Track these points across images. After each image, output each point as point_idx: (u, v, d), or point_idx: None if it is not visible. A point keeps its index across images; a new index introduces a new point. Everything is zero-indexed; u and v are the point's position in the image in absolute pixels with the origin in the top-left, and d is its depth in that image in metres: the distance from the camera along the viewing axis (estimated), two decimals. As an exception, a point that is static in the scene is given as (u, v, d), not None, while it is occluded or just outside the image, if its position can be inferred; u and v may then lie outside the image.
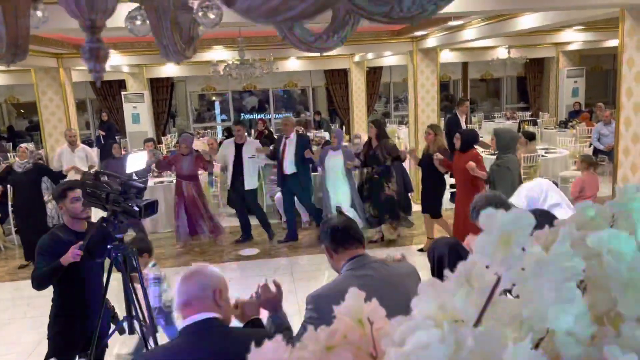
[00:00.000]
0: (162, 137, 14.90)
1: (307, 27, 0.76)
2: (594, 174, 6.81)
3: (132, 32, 1.20)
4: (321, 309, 2.03)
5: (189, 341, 1.80)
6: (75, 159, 8.16)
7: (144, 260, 4.06)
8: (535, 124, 15.07)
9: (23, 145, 7.29)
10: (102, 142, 13.23)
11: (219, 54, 10.09)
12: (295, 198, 7.44)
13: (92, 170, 7.59)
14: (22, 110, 18.13)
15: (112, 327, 3.38)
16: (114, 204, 3.07)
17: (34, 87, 8.98)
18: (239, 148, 7.28)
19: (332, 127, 16.09)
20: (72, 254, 3.08)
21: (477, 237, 0.47)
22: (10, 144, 15.51)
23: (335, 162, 7.05)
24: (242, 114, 19.10)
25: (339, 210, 6.90)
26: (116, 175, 3.34)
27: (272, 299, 2.12)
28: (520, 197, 3.99)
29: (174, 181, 7.61)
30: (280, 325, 2.07)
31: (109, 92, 15.51)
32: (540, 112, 16.76)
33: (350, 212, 6.92)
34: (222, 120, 18.81)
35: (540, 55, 15.79)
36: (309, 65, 14.35)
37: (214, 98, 19.30)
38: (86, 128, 17.61)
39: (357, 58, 13.76)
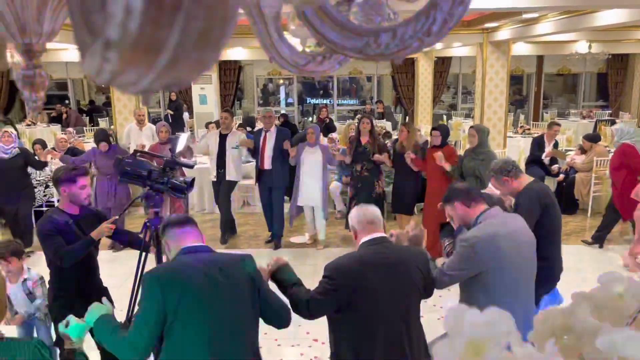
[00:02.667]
0: (227, 119, 15.16)
1: (297, 48, 0.70)
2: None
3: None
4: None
5: (375, 250, 2.48)
6: (142, 137, 8.45)
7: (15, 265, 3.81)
8: (613, 124, 14.15)
9: (9, 129, 7.13)
10: (170, 120, 13.66)
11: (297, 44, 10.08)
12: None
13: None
14: (102, 86, 19.00)
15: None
16: (157, 181, 3.32)
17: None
18: (223, 138, 6.96)
19: (395, 117, 15.84)
20: (106, 229, 3.29)
21: (437, 345, 0.39)
22: (88, 118, 16.34)
23: (311, 159, 6.63)
24: (307, 99, 19.17)
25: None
26: (159, 155, 3.58)
27: (418, 239, 2.83)
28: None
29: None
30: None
31: (179, 72, 15.95)
32: (620, 112, 15.73)
33: (319, 213, 6.76)
34: (287, 105, 18.95)
35: (624, 51, 14.75)
36: (376, 53, 14.11)
37: (281, 81, 19.47)
38: (158, 106, 18.26)
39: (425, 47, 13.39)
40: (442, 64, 16.01)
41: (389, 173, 7.30)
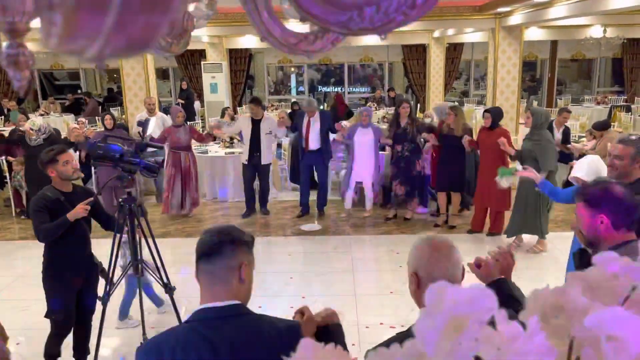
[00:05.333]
0: (238, 108, 15.19)
1: (289, 28, 0.68)
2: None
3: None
4: None
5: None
6: (153, 126, 8.50)
7: None
8: (629, 110, 13.93)
9: (27, 125, 7.34)
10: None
11: (295, 26, 10.03)
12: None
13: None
14: (115, 75, 19.08)
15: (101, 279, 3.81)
16: (130, 162, 3.53)
17: (119, 56, 9.36)
18: (256, 124, 7.40)
19: (433, 106, 15.73)
20: (82, 210, 3.44)
21: (417, 322, 0.39)
22: (100, 107, 16.44)
23: (364, 139, 7.23)
24: (319, 87, 19.10)
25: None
26: (130, 139, 3.83)
27: (509, 268, 2.01)
28: (583, 170, 3.85)
29: (169, 152, 7.52)
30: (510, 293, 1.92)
31: (190, 61, 15.97)
32: (636, 97, 15.47)
33: (368, 189, 7.43)
34: (298, 93, 18.91)
35: (639, 35, 14.49)
36: (387, 40, 14.00)
37: (292, 69, 19.40)
38: (169, 95, 18.31)
39: (436, 34, 13.25)
40: (453, 50, 15.84)
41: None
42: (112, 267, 3.60)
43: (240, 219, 7.57)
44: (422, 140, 7.05)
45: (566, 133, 7.95)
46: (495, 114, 6.42)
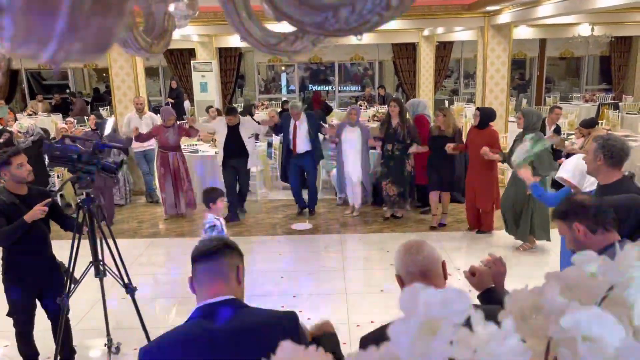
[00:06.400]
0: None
1: (269, 28, 0.68)
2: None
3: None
4: None
5: None
6: (143, 126, 8.44)
7: None
8: (616, 107, 14.05)
9: (15, 127, 7.36)
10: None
11: (285, 26, 10.00)
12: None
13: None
14: (104, 74, 18.95)
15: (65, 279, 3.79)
16: (88, 163, 3.54)
17: (107, 55, 9.31)
18: (232, 129, 7.22)
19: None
20: (40, 211, 3.43)
21: (392, 326, 0.38)
22: (89, 107, 16.31)
23: (351, 137, 7.23)
24: (309, 86, 19.08)
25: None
26: (87, 139, 3.87)
27: (502, 274, 2.07)
28: (569, 171, 3.79)
29: (158, 152, 7.64)
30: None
31: (180, 60, 15.89)
32: (623, 95, 15.60)
33: (357, 187, 7.41)
34: (289, 92, 18.88)
35: (627, 33, 14.58)
36: (377, 38, 14.01)
37: (283, 68, 19.36)
38: (159, 94, 18.21)
39: (426, 32, 13.28)
40: (443, 49, 15.88)
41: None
42: (72, 267, 3.59)
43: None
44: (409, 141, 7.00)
45: (557, 131, 8.00)
46: (486, 114, 6.40)
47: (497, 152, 5.99)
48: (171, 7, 0.87)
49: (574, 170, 3.72)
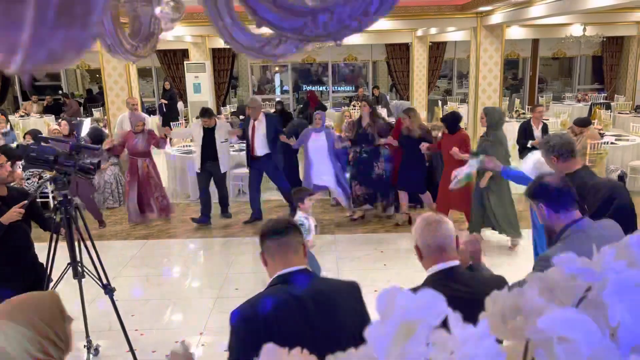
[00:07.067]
0: (222, 108, 15.12)
1: (253, 32, 0.68)
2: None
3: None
4: None
5: (444, 286, 1.89)
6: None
7: None
8: (608, 107, 14.14)
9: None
10: (164, 110, 13.59)
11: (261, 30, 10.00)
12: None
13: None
14: (97, 75, 18.86)
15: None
16: (64, 164, 3.54)
17: (100, 55, 9.27)
18: (208, 132, 7.08)
19: (391, 103, 15.80)
20: (16, 212, 3.41)
21: (369, 328, 0.39)
22: (82, 108, 16.25)
23: (317, 145, 6.93)
24: (303, 86, 19.08)
25: None
26: (63, 140, 3.85)
27: (478, 251, 2.31)
28: (528, 164, 4.17)
29: (127, 158, 7.36)
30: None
31: (173, 60, 15.87)
32: (615, 95, 15.70)
33: (335, 192, 7.21)
34: (282, 92, 18.88)
35: (619, 33, 14.69)
36: (370, 39, 14.04)
37: (277, 69, 19.35)
38: (152, 95, 18.16)
39: (419, 32, 13.32)
40: (437, 49, 15.93)
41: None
42: (49, 267, 3.59)
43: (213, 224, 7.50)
44: (377, 138, 6.91)
45: (545, 130, 8.03)
46: (450, 120, 6.46)
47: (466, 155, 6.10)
48: (157, 10, 0.86)
49: (532, 169, 4.00)
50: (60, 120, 7.61)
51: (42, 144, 3.74)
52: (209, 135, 7.08)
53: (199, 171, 7.26)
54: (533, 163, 4.07)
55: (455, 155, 5.94)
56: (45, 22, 0.30)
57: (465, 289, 1.93)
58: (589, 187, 2.96)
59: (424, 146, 6.50)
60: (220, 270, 6.01)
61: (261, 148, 7.03)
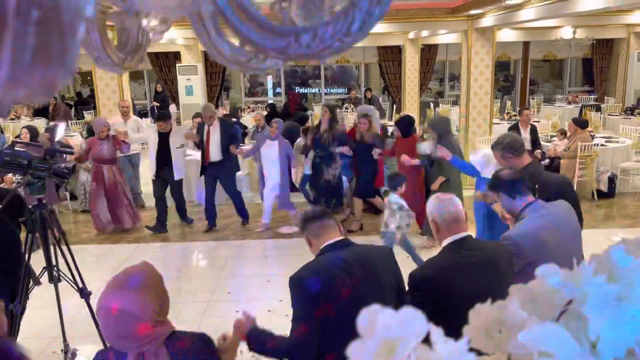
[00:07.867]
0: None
1: (240, 46, 0.69)
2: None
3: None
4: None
5: (461, 253, 2.29)
6: (128, 131, 8.37)
7: None
8: (598, 109, 14.25)
9: None
10: (157, 112, 13.56)
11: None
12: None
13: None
14: (88, 78, 18.77)
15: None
16: (38, 168, 3.55)
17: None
18: (163, 137, 6.96)
19: (383, 105, 15.84)
20: None
21: (351, 346, 0.39)
22: (73, 110, 16.17)
23: (269, 153, 6.92)
24: (296, 88, 19.10)
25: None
26: (38, 145, 3.96)
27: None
28: (477, 156, 4.82)
29: (92, 167, 7.18)
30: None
31: (165, 63, 15.83)
32: (605, 97, 15.83)
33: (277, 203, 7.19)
34: (275, 94, 18.88)
35: (609, 35, 14.82)
36: (363, 41, 14.03)
37: (269, 71, 19.36)
38: (144, 98, 18.11)
39: (411, 35, 13.36)
40: (428, 52, 16.00)
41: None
42: (24, 269, 3.56)
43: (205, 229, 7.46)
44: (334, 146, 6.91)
45: (534, 131, 8.08)
46: (403, 124, 6.61)
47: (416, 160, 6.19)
48: (144, 22, 0.87)
49: (480, 162, 4.64)
50: (22, 129, 7.59)
51: (16, 148, 3.75)
52: (164, 141, 6.94)
53: (154, 178, 7.12)
54: (481, 156, 4.72)
55: (405, 162, 6.09)
56: (23, 63, 0.30)
57: (477, 254, 2.30)
58: (539, 182, 3.42)
59: (375, 152, 6.62)
60: (212, 273, 5.99)
61: (216, 154, 6.95)
